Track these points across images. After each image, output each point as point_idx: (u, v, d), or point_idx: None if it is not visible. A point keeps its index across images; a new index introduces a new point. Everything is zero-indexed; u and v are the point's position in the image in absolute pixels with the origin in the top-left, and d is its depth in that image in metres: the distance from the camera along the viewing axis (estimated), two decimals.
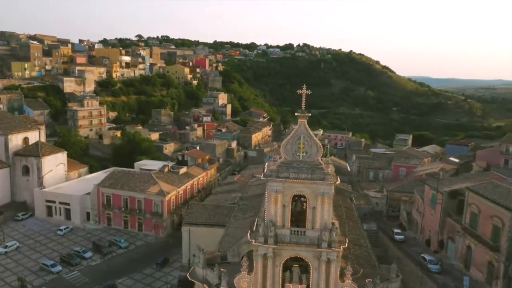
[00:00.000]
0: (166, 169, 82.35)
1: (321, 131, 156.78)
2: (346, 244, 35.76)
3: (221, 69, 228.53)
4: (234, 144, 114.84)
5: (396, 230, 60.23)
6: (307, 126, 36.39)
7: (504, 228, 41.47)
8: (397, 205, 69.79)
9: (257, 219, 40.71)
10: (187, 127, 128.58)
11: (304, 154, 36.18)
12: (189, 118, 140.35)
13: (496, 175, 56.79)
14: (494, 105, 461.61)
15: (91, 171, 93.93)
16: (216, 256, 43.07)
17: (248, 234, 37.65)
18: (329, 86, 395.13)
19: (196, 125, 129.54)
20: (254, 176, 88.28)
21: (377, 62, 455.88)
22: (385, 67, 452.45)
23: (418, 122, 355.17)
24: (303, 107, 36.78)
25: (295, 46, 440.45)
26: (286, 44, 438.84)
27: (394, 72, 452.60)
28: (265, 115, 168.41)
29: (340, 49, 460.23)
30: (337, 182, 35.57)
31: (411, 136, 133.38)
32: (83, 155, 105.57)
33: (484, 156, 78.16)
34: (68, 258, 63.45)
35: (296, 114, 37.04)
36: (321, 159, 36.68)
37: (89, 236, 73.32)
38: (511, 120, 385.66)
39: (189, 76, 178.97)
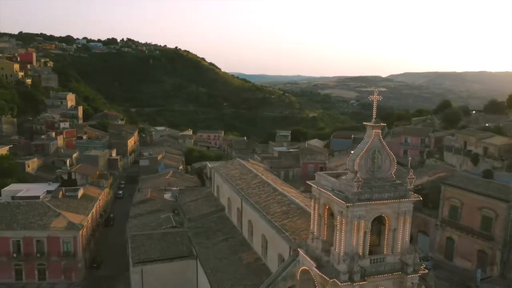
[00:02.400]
0: (60, 194, 64.78)
1: (191, 131, 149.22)
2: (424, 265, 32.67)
3: (51, 65, 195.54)
4: (114, 153, 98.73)
5: None
6: (381, 137, 31.58)
7: (498, 218, 44.66)
8: None
9: (299, 249, 33.98)
10: (43, 136, 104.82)
11: (378, 169, 31.34)
12: (38, 125, 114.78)
13: (445, 167, 61.86)
14: (304, 98, 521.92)
15: None
16: None
17: (317, 271, 30.92)
18: (160, 83, 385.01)
19: (53, 134, 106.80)
20: (166, 189, 77.81)
21: (203, 59, 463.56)
22: (211, 64, 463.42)
23: (248, 116, 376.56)
24: (374, 115, 31.77)
25: (119, 41, 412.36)
26: (108, 39, 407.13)
27: (220, 69, 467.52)
28: (121, 117, 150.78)
29: (165, 45, 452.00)
30: (419, 198, 32.07)
31: (290, 131, 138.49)
32: None
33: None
34: None
35: (365, 123, 31.79)
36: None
37: None
38: (320, 110, 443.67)
39: (20, 74, 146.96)
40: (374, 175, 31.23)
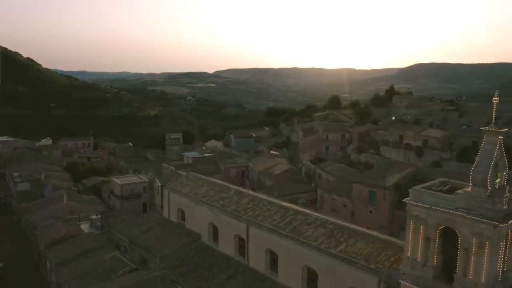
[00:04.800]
0: None
1: (50, 140, 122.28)
2: None
3: None
4: None
5: None
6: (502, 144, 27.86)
7: None
8: None
9: (402, 281, 28.16)
10: None
11: (499, 179, 27.77)
12: None
13: (408, 163, 62.53)
14: (139, 95, 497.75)
15: None
16: None
17: None
18: None
19: None
20: (80, 219, 61.58)
21: (18, 54, 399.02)
22: (29, 59, 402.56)
23: (82, 117, 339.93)
24: (494, 119, 27.86)
25: None
26: None
27: (40, 65, 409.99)
28: None
29: None
30: None
31: (181, 134, 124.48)
32: None
33: (308, 145, 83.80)
34: None
35: (486, 129, 27.43)
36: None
37: None
38: (160, 108, 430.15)
39: None
40: (496, 186, 27.77)
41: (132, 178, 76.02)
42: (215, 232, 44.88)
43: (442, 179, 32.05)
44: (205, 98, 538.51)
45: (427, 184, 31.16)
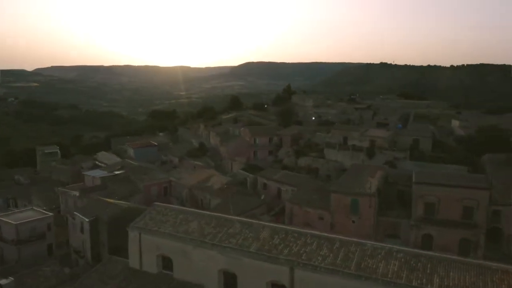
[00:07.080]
0: None
1: None
2: None
3: None
4: None
5: None
6: None
7: (480, 206, 47.95)
8: None
9: None
10: None
11: None
12: None
13: (374, 165, 59.32)
14: None
15: None
16: None
17: None
18: None
19: None
20: None
21: None
22: None
23: None
24: None
25: None
26: None
27: None
28: None
29: None
30: None
31: (58, 147, 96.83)
32: None
33: (233, 151, 74.64)
34: None
35: None
36: None
37: None
38: None
39: None
40: None
41: (28, 214, 56.97)
42: (228, 280, 34.65)
43: None
44: (30, 99, 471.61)
45: None
